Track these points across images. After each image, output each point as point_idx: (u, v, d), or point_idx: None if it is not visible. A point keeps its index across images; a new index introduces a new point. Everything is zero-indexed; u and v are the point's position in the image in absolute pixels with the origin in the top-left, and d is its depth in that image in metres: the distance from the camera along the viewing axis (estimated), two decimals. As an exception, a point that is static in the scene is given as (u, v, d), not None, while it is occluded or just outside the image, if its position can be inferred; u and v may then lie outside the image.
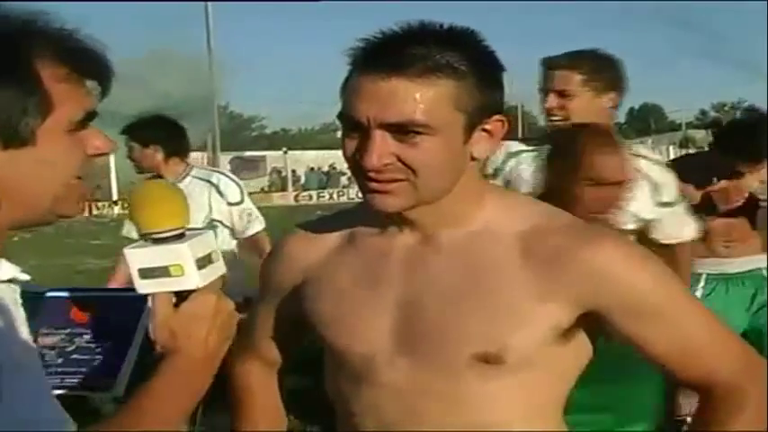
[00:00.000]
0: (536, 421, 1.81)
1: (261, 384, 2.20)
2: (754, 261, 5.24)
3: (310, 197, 52.03)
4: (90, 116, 1.45)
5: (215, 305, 1.57)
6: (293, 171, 56.32)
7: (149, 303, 1.66)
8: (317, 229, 2.02)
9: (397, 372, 1.79)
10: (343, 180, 55.79)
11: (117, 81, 1.48)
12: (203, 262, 1.55)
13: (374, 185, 1.68)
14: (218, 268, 1.59)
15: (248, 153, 57.97)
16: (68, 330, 1.47)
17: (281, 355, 2.19)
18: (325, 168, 56.78)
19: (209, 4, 62.60)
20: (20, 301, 1.43)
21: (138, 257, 1.54)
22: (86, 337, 1.59)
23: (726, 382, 1.80)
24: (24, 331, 1.39)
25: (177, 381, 1.55)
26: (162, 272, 1.52)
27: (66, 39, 1.41)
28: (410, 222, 1.79)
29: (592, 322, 1.78)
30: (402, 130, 1.63)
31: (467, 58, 1.65)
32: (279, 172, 56.99)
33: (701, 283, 5.22)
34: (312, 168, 57.36)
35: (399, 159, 1.65)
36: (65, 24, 1.42)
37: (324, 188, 54.25)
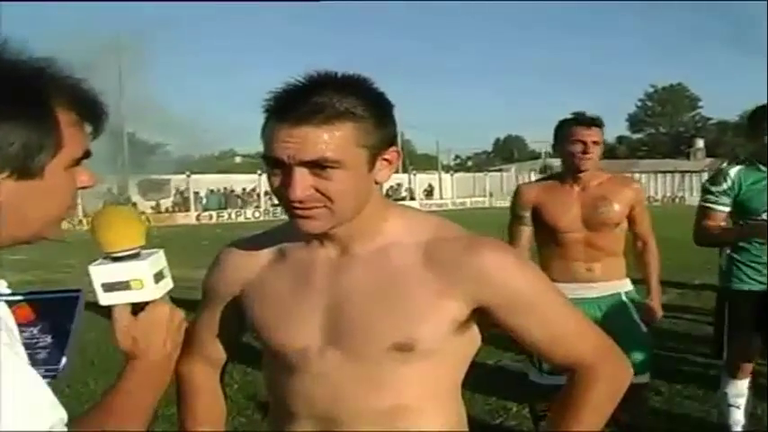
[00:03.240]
0: (441, 399, 1.98)
1: (205, 384, 2.27)
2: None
3: (210, 217, 51.67)
4: (86, 155, 1.53)
5: (169, 314, 1.69)
6: (195, 193, 55.73)
7: (81, 302, 1.70)
8: (252, 245, 2.14)
9: (327, 362, 1.94)
10: (239, 202, 55.48)
11: None
12: (158, 277, 1.65)
13: (298, 212, 1.82)
14: (168, 282, 1.70)
15: (154, 176, 57.12)
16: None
17: (222, 356, 2.27)
18: (224, 191, 56.33)
19: (122, 40, 61.73)
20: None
21: (101, 273, 1.63)
22: (25, 334, 1.60)
23: (584, 362, 1.99)
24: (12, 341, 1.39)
25: (141, 381, 1.64)
26: (124, 286, 1.62)
27: (76, 87, 1.50)
28: (329, 238, 1.95)
29: (481, 317, 1.94)
30: (317, 166, 1.77)
31: (362, 102, 1.80)
32: (182, 193, 56.32)
33: None
34: (212, 191, 56.79)
35: (317, 191, 1.80)
36: (72, 72, 1.50)
37: (223, 209, 53.79)
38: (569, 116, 5.13)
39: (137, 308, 1.66)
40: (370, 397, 1.92)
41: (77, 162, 1.52)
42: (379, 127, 1.84)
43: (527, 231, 5.24)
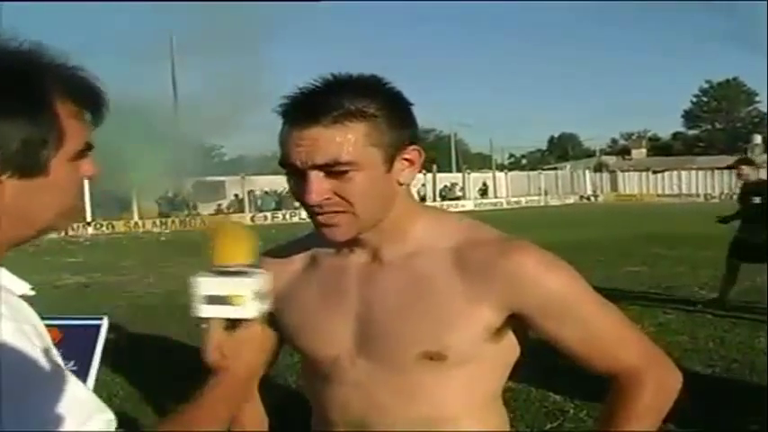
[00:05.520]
0: (479, 409, 1.92)
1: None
2: None
3: (265, 218, 51.91)
4: (88, 147, 1.48)
5: (261, 334, 1.69)
6: (249, 191, 56.10)
7: (103, 329, 1.69)
8: (283, 254, 2.14)
9: (360, 370, 1.91)
10: (296, 202, 55.62)
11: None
12: (259, 297, 1.64)
13: (321, 219, 1.81)
14: (267, 304, 1.69)
15: (209, 178, 57.53)
16: None
17: (261, 367, 2.23)
18: (279, 191, 56.60)
19: (174, 41, 62.48)
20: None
21: (206, 285, 1.63)
22: None
23: (628, 369, 1.92)
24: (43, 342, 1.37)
25: (222, 395, 1.64)
26: (225, 300, 1.62)
27: (73, 75, 1.44)
28: (359, 243, 1.92)
29: (518, 323, 1.89)
30: (332, 169, 1.74)
31: (374, 101, 1.77)
32: (236, 195, 56.76)
33: None
34: (267, 192, 57.09)
35: (337, 194, 1.77)
36: (68, 59, 1.44)
37: (278, 209, 54.03)
38: None
39: (230, 324, 1.65)
40: (405, 407, 1.89)
41: (81, 154, 1.47)
42: (394, 126, 1.80)
43: None
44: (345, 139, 1.73)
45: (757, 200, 11.66)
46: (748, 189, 12.01)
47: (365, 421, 1.92)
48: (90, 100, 1.48)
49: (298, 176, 1.78)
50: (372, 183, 1.78)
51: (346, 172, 1.74)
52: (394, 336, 1.86)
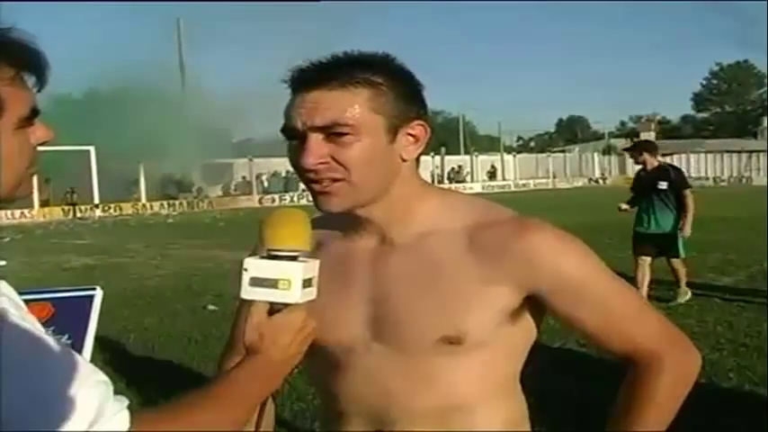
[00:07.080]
0: (496, 394, 1.88)
1: None
2: None
3: (273, 200, 52.03)
4: (34, 112, 1.41)
5: (303, 321, 1.66)
6: (257, 176, 56.16)
7: (97, 300, 1.66)
8: None
9: (374, 357, 1.85)
10: (303, 184, 55.64)
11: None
12: (306, 284, 1.62)
13: (316, 186, 1.76)
14: (313, 292, 1.66)
15: (217, 160, 57.56)
16: None
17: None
18: (287, 174, 56.63)
19: (182, 27, 62.50)
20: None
21: (255, 266, 1.62)
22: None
23: (646, 352, 1.86)
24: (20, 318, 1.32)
25: (253, 374, 1.62)
26: (271, 283, 1.61)
27: (7, 39, 1.36)
28: (366, 225, 1.87)
29: (535, 305, 1.84)
30: (332, 132, 1.71)
31: (381, 73, 1.76)
32: (244, 177, 56.83)
33: None
34: (274, 174, 57.15)
35: (334, 159, 1.72)
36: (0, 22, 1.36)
37: (285, 191, 54.07)
38: None
39: (273, 309, 1.64)
40: (422, 394, 1.83)
41: (27, 121, 1.38)
42: (400, 98, 1.76)
43: None
44: (347, 102, 1.71)
45: (663, 185, 10.89)
46: (649, 176, 11.16)
47: (380, 411, 1.87)
48: (28, 61, 1.39)
49: (296, 141, 1.75)
50: (372, 151, 1.74)
51: (346, 135, 1.71)
52: (411, 320, 1.81)
